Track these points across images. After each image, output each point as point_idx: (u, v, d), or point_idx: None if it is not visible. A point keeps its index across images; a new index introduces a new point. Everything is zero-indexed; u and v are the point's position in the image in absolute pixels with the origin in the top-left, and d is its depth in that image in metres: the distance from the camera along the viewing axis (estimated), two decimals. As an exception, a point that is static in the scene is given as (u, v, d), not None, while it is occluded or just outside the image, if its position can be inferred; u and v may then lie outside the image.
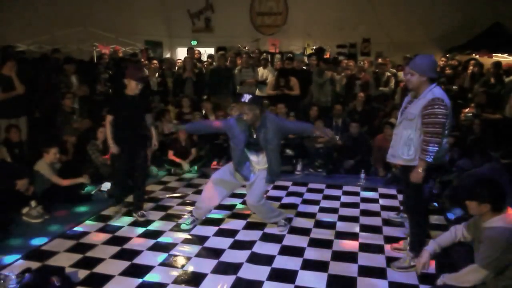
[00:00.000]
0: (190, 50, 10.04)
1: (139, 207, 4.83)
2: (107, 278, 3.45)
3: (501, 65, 8.58)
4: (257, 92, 8.54)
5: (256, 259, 3.78)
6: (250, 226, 4.50)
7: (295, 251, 3.92)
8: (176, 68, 9.36)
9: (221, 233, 4.35)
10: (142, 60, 9.69)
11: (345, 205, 5.18)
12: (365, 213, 4.91)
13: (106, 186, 5.46)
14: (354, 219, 4.72)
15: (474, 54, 10.81)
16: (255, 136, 4.15)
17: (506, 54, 10.66)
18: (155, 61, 9.24)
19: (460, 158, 5.32)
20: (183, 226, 4.47)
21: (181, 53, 12.17)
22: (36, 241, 4.10)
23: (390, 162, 3.76)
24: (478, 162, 4.82)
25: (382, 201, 5.29)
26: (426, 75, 3.31)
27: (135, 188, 4.89)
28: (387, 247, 4.00)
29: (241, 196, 5.44)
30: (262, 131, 4.09)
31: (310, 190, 5.74)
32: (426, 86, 3.32)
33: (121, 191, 4.97)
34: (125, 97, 4.64)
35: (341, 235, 4.28)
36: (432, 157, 3.22)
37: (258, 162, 4.28)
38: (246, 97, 4.06)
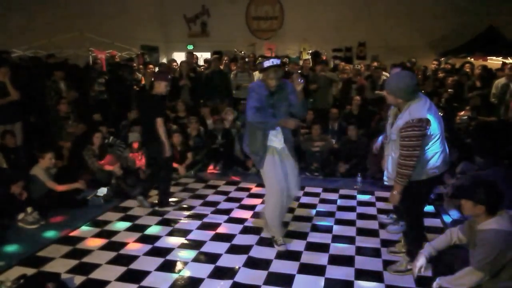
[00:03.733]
0: (189, 55, 10.05)
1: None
2: (104, 283, 3.43)
3: (487, 69, 8.72)
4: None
5: (253, 263, 3.77)
6: (246, 231, 4.49)
7: (292, 255, 3.91)
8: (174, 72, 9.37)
9: (218, 237, 4.34)
10: (135, 65, 9.69)
11: (341, 208, 5.17)
12: (361, 216, 4.90)
13: (102, 191, 5.46)
14: (350, 223, 4.71)
15: (469, 58, 10.87)
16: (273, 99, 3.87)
17: (501, 57, 10.73)
18: (151, 66, 9.24)
19: (459, 161, 5.30)
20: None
21: (177, 57, 12.26)
22: (32, 247, 4.08)
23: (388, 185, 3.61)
24: (482, 166, 4.82)
25: (378, 204, 5.29)
26: (401, 99, 3.22)
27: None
28: (384, 250, 4.00)
29: (238, 200, 5.45)
30: (278, 92, 3.85)
31: (307, 194, 5.73)
32: (405, 104, 3.23)
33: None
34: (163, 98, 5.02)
35: (338, 239, 4.28)
36: (405, 180, 3.18)
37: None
38: (275, 61, 3.80)
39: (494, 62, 10.72)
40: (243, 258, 3.86)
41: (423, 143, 3.15)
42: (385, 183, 3.60)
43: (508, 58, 10.58)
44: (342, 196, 5.62)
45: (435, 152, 3.24)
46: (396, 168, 3.23)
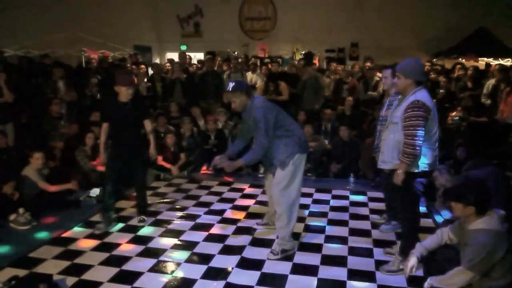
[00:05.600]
0: (182, 55, 10.06)
1: (141, 211, 4.86)
2: (96, 285, 3.42)
3: (478, 70, 8.82)
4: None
5: (246, 264, 3.78)
6: (239, 231, 4.50)
7: (285, 256, 3.91)
8: (166, 72, 9.35)
9: (211, 238, 4.34)
10: (129, 65, 9.64)
11: (334, 209, 5.19)
12: (354, 216, 4.93)
13: (95, 192, 5.43)
14: (343, 223, 4.73)
15: (460, 58, 10.96)
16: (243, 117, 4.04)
17: (492, 58, 10.82)
18: (143, 66, 9.22)
19: (466, 158, 5.33)
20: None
21: (172, 58, 12.26)
22: (24, 248, 4.06)
23: (381, 169, 3.72)
24: (472, 166, 4.86)
25: (371, 205, 5.31)
26: (411, 78, 3.34)
27: (136, 195, 4.93)
28: (376, 250, 4.03)
29: (231, 201, 5.45)
30: (246, 116, 3.97)
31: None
32: (412, 88, 3.34)
33: (110, 199, 4.67)
34: (118, 104, 4.51)
35: (330, 239, 4.30)
36: (411, 160, 3.25)
37: None
38: (230, 85, 3.86)
39: (485, 62, 10.82)
40: (236, 258, 3.86)
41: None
42: (379, 166, 3.70)
43: (499, 59, 10.68)
44: (334, 197, 5.65)
45: (429, 147, 3.33)
46: (402, 149, 3.28)
